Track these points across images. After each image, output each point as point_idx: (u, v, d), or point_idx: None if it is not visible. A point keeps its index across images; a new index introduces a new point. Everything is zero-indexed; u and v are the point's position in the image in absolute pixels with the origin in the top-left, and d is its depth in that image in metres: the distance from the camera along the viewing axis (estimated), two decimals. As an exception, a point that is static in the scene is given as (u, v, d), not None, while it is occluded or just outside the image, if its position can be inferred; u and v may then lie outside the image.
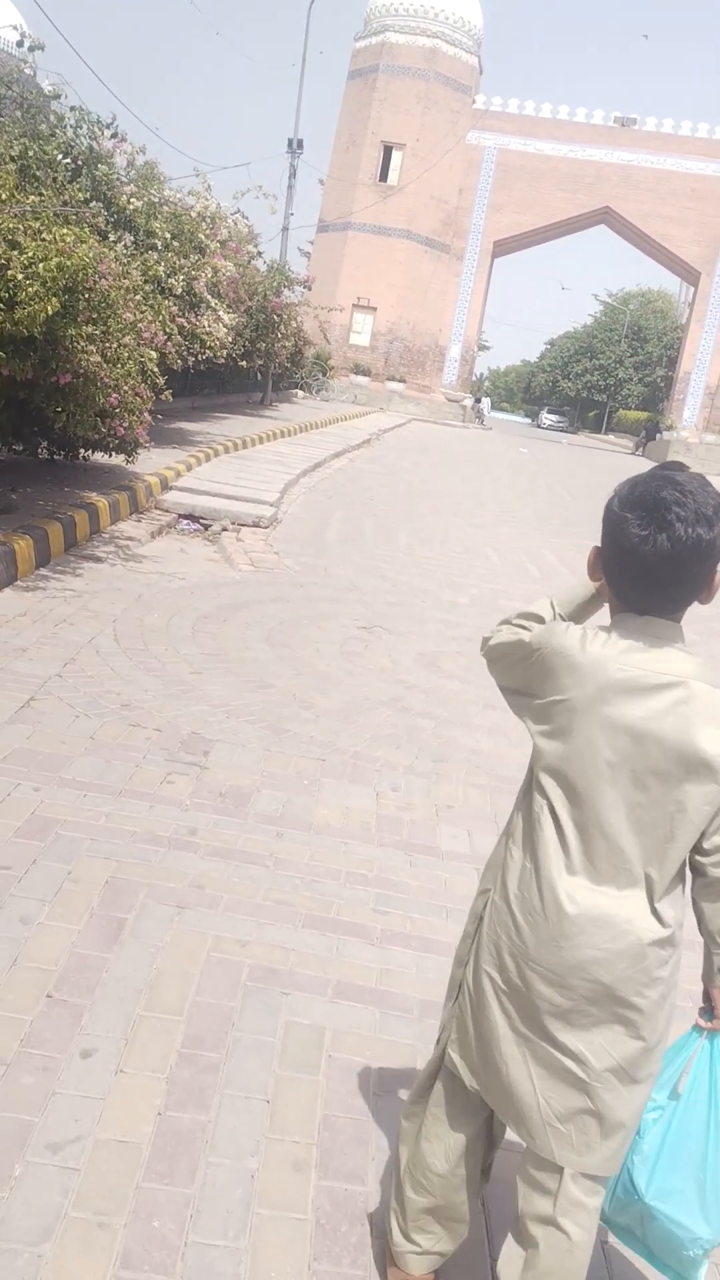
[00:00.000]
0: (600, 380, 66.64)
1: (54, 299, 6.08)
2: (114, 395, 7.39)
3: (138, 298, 8.66)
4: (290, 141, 25.27)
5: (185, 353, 11.47)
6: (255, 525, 9.56)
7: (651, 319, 65.16)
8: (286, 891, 3.26)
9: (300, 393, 30.07)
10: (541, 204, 35.55)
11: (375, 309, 35.57)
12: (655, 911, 1.59)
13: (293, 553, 8.76)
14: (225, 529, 9.38)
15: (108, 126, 11.68)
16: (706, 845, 1.59)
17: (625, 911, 1.58)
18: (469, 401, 37.69)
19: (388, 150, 35.25)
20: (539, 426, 67.30)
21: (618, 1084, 1.62)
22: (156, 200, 11.93)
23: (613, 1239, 2.04)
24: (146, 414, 8.28)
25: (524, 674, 1.69)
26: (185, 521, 9.44)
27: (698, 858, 1.61)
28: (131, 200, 11.29)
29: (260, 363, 21.47)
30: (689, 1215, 1.73)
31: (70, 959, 2.71)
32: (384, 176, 35.37)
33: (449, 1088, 1.86)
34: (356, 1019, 2.71)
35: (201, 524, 9.46)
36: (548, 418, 71.55)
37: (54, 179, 8.87)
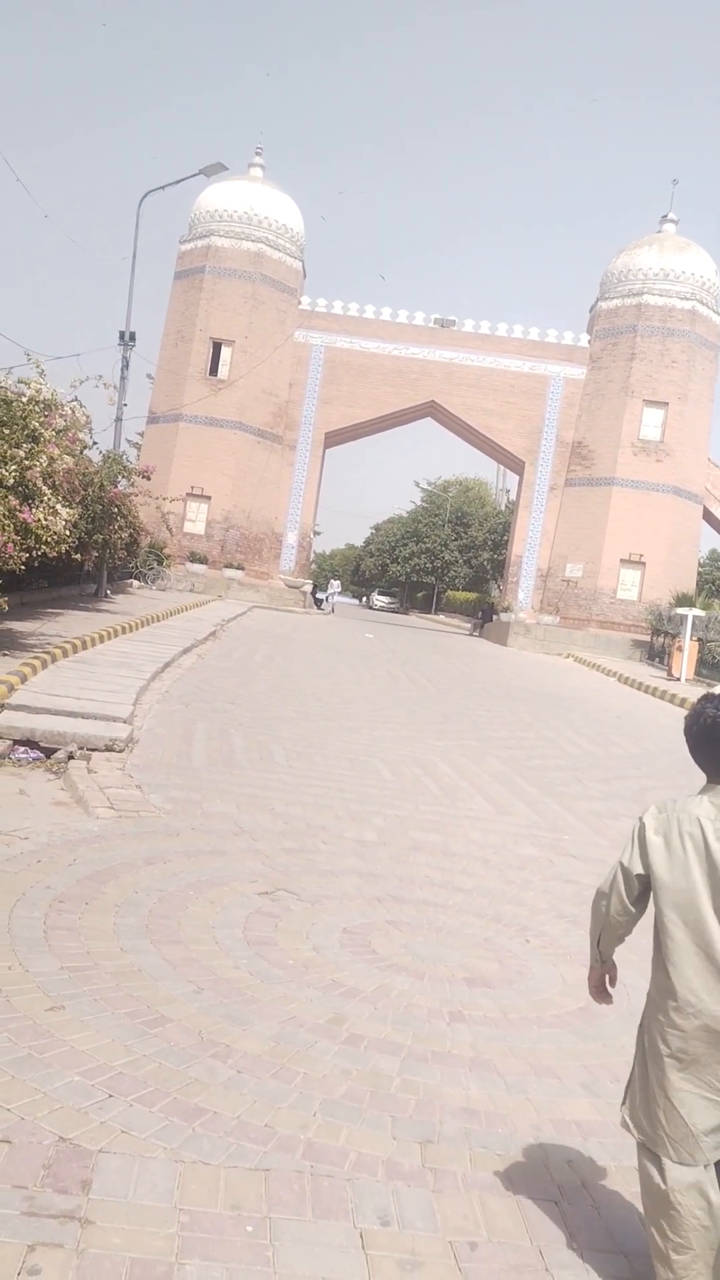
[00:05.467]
0: (427, 563, 68.38)
1: None
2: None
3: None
4: (122, 334, 24.90)
5: (20, 549, 10.07)
6: (109, 749, 8.06)
7: (473, 505, 68.03)
8: None
9: (136, 583, 28.86)
10: (369, 398, 36.50)
11: (209, 497, 35.15)
12: None
13: (158, 784, 7.30)
14: (72, 756, 7.85)
15: None
16: None
17: None
18: (308, 587, 37.32)
19: (217, 346, 35.70)
20: (369, 608, 68.41)
21: None
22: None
23: None
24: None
25: None
26: (22, 750, 7.86)
27: None
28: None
29: (95, 554, 20.24)
30: None
31: None
32: (214, 371, 35.67)
33: None
34: None
35: (43, 751, 7.91)
36: (379, 599, 73.17)
37: None
